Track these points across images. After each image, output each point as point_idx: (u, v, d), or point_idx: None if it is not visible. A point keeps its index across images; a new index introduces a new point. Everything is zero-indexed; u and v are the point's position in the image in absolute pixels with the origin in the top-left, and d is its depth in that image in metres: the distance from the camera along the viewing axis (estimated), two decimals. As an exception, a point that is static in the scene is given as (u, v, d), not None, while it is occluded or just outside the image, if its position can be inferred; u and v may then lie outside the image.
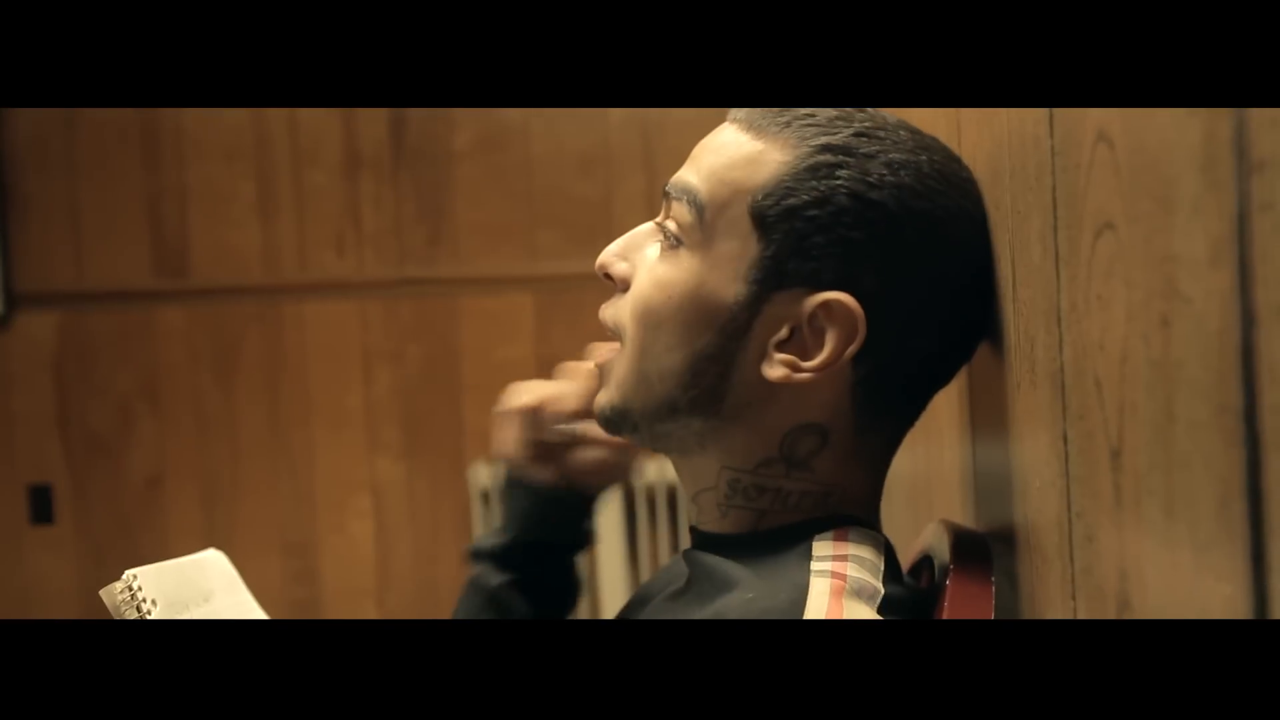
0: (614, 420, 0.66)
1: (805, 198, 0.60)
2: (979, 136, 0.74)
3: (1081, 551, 0.53)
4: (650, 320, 0.63)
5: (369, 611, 2.51)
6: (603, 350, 0.69)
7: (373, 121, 2.55)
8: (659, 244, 0.65)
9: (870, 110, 0.64)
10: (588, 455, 0.76)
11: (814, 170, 0.61)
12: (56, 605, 2.48)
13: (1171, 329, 0.40)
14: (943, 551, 0.72)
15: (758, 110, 0.63)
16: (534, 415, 0.75)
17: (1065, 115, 0.52)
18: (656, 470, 2.40)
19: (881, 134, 0.62)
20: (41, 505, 2.52)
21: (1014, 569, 0.68)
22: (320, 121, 2.54)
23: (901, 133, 0.63)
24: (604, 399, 0.66)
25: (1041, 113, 0.56)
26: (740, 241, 0.61)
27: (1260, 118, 0.34)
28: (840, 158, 0.61)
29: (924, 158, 0.62)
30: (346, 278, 2.55)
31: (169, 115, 2.53)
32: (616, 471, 0.77)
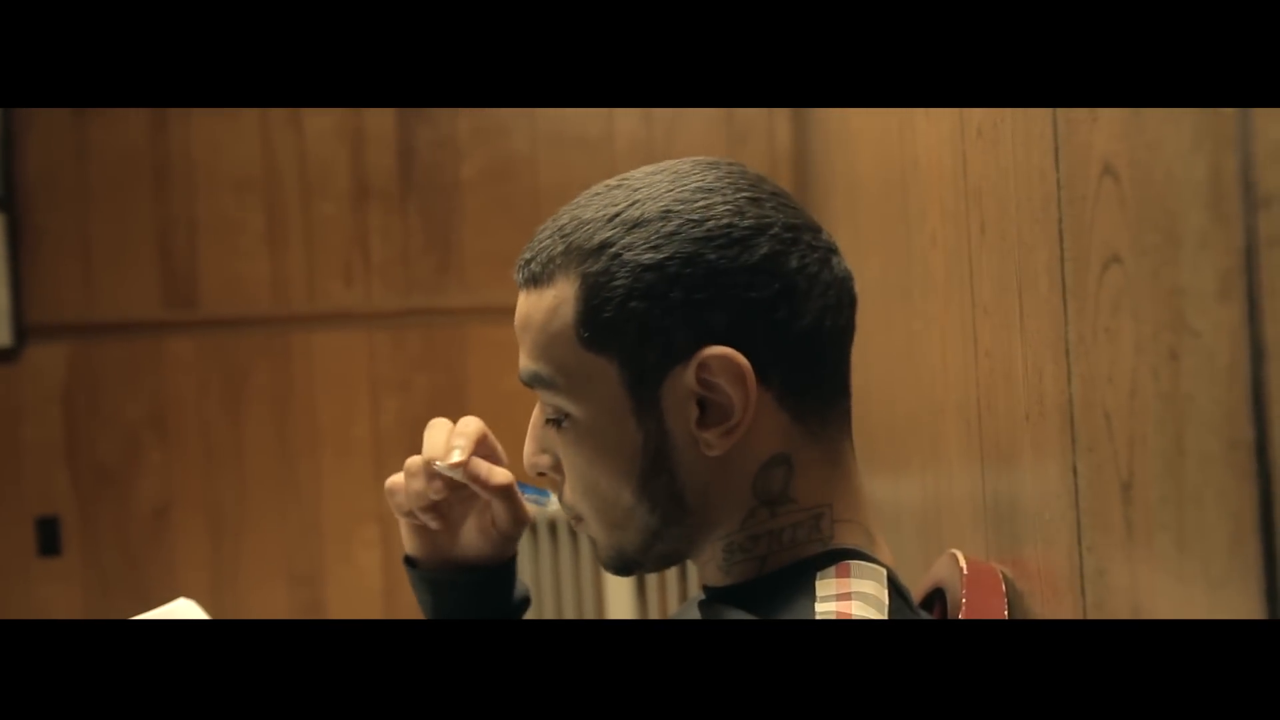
0: (620, 568, 0.68)
1: (614, 301, 0.62)
2: (984, 166, 0.75)
3: (1093, 586, 0.52)
4: (589, 490, 0.65)
5: (376, 643, 2.50)
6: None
7: (381, 151, 2.56)
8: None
9: (615, 180, 0.66)
10: (475, 533, 0.75)
11: (602, 275, 0.62)
12: (63, 637, 2.47)
13: (1180, 362, 0.40)
14: (955, 584, 0.71)
15: (530, 261, 0.65)
16: (405, 498, 0.74)
17: (1070, 148, 0.52)
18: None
19: (637, 197, 0.63)
20: (49, 537, 2.52)
21: (1025, 602, 0.67)
22: (328, 152, 2.56)
23: (654, 179, 0.64)
24: (602, 556, 0.68)
25: (1047, 145, 0.56)
26: (601, 376, 0.63)
27: (1267, 152, 0.34)
28: (616, 247, 0.62)
29: (680, 190, 0.63)
30: (354, 308, 2.56)
31: (179, 147, 2.55)
32: (512, 528, 0.75)
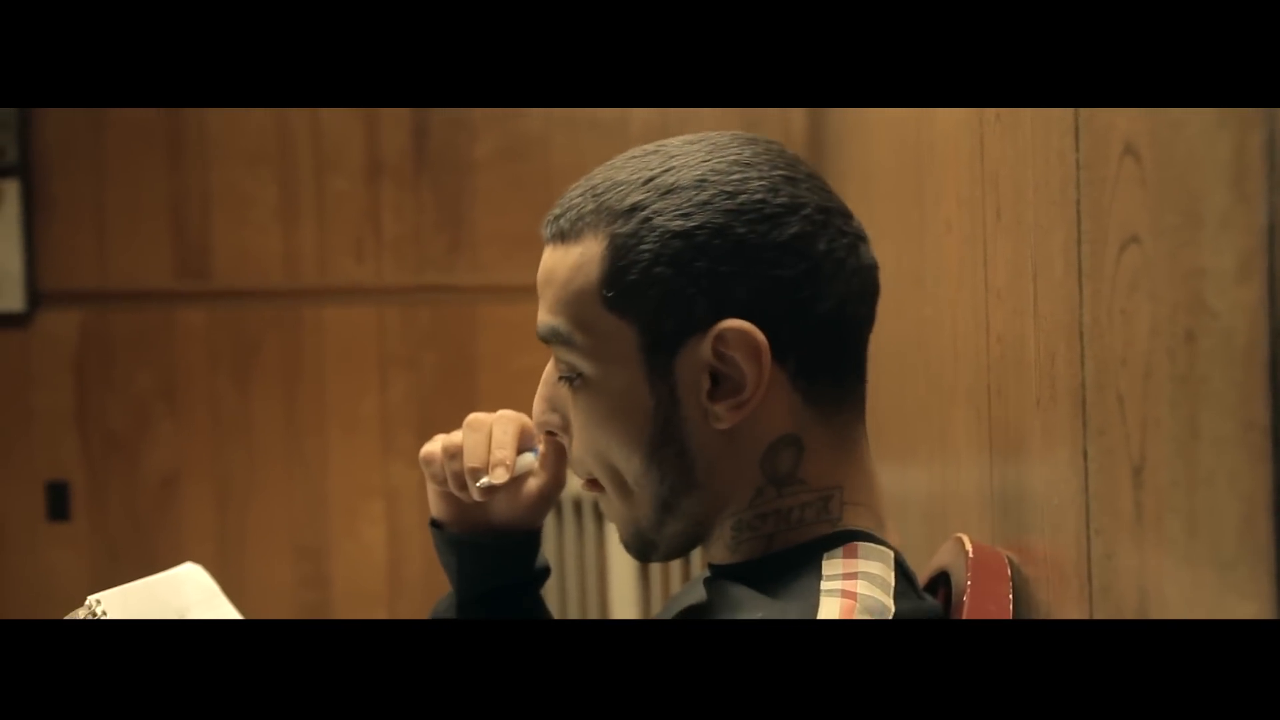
0: (639, 550, 0.68)
1: (639, 264, 0.61)
2: (1002, 150, 0.74)
3: (1100, 569, 0.52)
4: (600, 454, 0.65)
5: (379, 616, 2.51)
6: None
7: (395, 128, 2.56)
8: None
9: (653, 145, 0.65)
10: (505, 501, 0.75)
11: (631, 237, 0.62)
12: (70, 602, 2.48)
13: (1197, 343, 0.40)
14: (960, 568, 0.71)
15: (560, 217, 0.65)
16: (442, 470, 0.75)
17: (1091, 128, 0.51)
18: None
19: (672, 164, 0.63)
20: (58, 502, 2.54)
21: (1032, 586, 0.67)
22: (343, 127, 2.56)
23: (691, 148, 0.64)
24: (622, 535, 0.68)
25: (1067, 125, 0.55)
26: (618, 338, 0.63)
27: (1292, 130, 0.33)
28: (647, 211, 0.62)
29: (716, 161, 0.63)
30: (366, 283, 2.56)
31: (193, 119, 2.55)
32: (543, 500, 0.75)
